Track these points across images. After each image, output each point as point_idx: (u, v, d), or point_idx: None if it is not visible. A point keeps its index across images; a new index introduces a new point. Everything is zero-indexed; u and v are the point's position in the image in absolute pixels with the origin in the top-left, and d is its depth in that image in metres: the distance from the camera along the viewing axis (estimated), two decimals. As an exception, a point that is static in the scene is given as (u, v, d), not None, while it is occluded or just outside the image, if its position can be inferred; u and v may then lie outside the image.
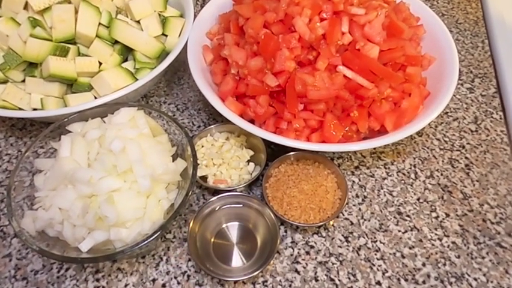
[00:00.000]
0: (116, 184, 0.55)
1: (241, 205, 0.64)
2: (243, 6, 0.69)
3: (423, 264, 0.62)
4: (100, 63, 0.70)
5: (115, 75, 0.67)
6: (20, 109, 0.70)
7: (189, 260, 0.62)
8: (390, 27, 0.66)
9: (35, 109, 0.70)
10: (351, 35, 0.65)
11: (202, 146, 0.71)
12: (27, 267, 0.62)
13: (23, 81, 0.72)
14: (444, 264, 0.62)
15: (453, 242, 0.64)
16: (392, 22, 0.66)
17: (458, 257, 0.63)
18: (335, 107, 0.65)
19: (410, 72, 0.67)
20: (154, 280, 0.61)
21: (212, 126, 0.72)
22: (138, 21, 0.75)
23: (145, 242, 0.53)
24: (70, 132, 0.63)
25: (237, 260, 0.61)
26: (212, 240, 0.63)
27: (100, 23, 0.71)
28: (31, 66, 0.71)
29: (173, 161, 0.61)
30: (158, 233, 0.53)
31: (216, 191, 0.69)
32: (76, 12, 0.70)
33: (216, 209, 0.64)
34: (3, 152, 0.75)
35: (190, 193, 0.56)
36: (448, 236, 0.65)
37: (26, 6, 0.72)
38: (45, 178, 0.58)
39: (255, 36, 0.65)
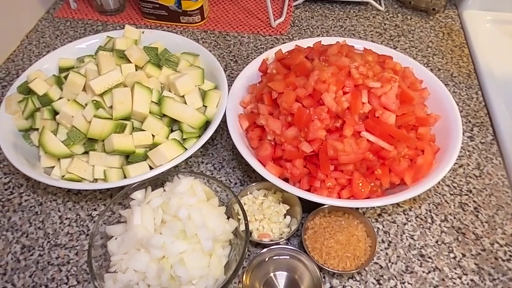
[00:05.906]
0: (184, 247, 0.64)
1: (288, 256, 0.72)
2: (275, 82, 0.80)
3: (448, 301, 0.71)
4: (153, 135, 0.81)
5: (169, 147, 0.77)
6: (83, 179, 0.79)
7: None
8: (402, 96, 0.78)
9: (95, 179, 0.80)
10: (370, 104, 0.76)
11: (245, 204, 0.80)
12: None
13: (83, 153, 0.82)
14: (466, 300, 0.71)
15: (471, 280, 0.74)
16: (403, 92, 0.78)
17: (478, 293, 0.72)
18: (361, 166, 0.75)
19: (421, 132, 0.79)
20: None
21: (253, 184, 0.82)
22: (182, 95, 0.86)
23: (213, 297, 0.61)
24: (133, 199, 0.73)
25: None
26: (260, 289, 0.71)
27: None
28: (91, 141, 0.81)
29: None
30: (224, 288, 0.62)
31: (257, 244, 0.78)
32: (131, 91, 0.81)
33: (266, 259, 0.72)
34: (63, 216, 0.84)
35: (246, 250, 0.66)
36: (466, 275, 0.74)
37: (84, 88, 0.83)
38: (119, 243, 0.67)
39: (289, 108, 0.76)
